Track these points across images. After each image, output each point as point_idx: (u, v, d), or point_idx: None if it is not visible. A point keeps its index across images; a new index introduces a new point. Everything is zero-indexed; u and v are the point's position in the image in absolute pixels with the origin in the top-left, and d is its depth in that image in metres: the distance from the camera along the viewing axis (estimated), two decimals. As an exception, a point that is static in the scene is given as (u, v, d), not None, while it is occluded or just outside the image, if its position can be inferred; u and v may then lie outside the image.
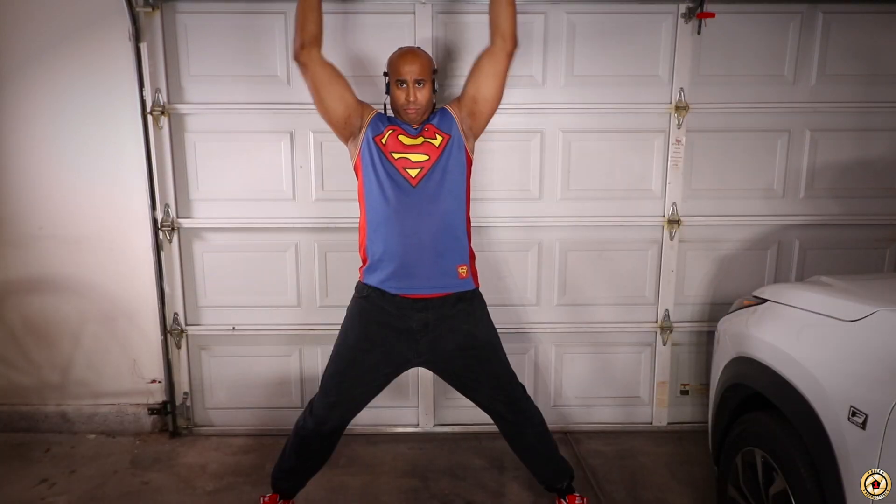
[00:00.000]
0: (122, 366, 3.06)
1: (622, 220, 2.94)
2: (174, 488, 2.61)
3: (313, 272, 2.97)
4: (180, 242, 2.92)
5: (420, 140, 2.11)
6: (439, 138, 2.11)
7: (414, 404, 3.09)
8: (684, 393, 3.12)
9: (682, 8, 2.77)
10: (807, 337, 1.77)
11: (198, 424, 3.09)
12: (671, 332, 3.04)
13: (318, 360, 3.03)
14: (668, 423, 3.12)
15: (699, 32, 2.77)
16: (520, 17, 2.76)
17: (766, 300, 2.05)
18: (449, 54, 2.79)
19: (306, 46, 2.06)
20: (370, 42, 2.77)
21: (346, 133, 2.17)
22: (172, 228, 2.88)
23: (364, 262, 2.14)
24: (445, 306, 2.07)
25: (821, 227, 2.98)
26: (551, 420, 2.38)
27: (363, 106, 2.18)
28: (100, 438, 3.04)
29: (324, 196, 2.90)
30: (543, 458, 2.30)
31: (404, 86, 2.09)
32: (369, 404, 2.21)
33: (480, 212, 2.84)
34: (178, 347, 3.01)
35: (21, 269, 2.96)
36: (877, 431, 1.38)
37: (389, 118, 2.20)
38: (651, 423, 3.13)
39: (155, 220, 2.86)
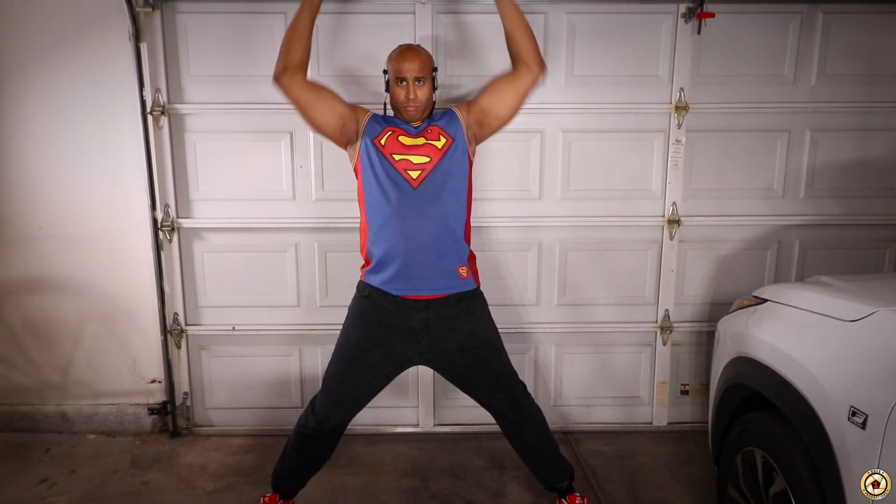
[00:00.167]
0: (122, 366, 3.06)
1: (622, 220, 2.94)
2: (174, 488, 2.61)
3: (313, 272, 2.97)
4: (180, 242, 2.92)
5: (421, 141, 2.10)
6: (443, 140, 2.10)
7: (414, 404, 3.09)
8: (684, 393, 3.12)
9: (682, 8, 2.77)
10: (807, 337, 1.77)
11: (198, 424, 3.09)
12: (671, 332, 3.04)
13: (318, 360, 3.04)
14: (668, 423, 3.12)
15: (699, 32, 2.77)
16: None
17: (766, 300, 2.05)
18: (449, 54, 2.79)
19: (289, 70, 2.06)
20: (370, 42, 2.77)
21: (344, 140, 2.17)
22: (172, 228, 2.88)
23: (367, 263, 2.14)
24: (447, 306, 2.07)
25: (821, 227, 2.98)
26: (551, 420, 2.38)
27: (356, 110, 2.17)
28: (100, 438, 3.04)
29: (324, 196, 2.90)
30: (544, 456, 2.31)
31: (404, 83, 2.09)
32: (369, 404, 2.21)
33: (480, 212, 2.84)
34: (178, 347, 3.01)
35: (21, 269, 2.96)
36: (877, 431, 1.38)
37: (387, 118, 2.20)
38: (651, 423, 3.13)
39: (155, 220, 2.86)
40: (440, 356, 2.13)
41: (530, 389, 2.35)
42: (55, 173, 2.88)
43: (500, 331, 2.24)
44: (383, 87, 2.21)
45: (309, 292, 2.98)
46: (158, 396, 3.07)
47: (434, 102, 2.22)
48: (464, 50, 2.79)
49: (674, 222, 2.94)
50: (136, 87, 2.74)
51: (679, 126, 2.85)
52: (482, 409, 2.29)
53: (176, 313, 2.97)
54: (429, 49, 2.67)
